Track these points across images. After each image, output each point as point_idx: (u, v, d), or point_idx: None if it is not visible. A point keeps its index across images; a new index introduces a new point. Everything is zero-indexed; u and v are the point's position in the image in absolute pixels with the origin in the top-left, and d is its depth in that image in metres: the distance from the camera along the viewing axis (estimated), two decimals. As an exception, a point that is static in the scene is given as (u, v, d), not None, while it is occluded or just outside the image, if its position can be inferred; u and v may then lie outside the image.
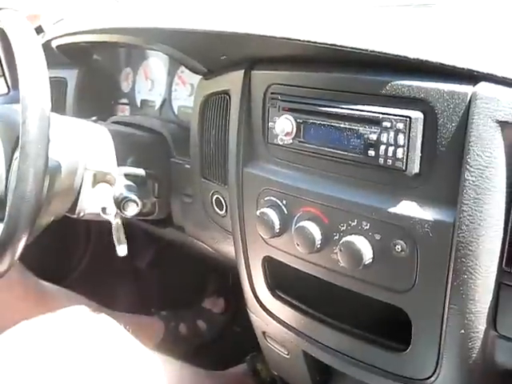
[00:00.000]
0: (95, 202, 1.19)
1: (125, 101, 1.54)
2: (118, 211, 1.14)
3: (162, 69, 1.43)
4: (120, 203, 1.12)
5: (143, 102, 1.49)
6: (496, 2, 0.89)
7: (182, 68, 1.35)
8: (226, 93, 1.05)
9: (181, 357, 1.32)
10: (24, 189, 0.93)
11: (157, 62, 1.45)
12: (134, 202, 1.13)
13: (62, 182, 1.11)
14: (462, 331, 0.79)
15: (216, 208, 1.15)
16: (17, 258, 0.99)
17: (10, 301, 1.40)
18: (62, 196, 1.13)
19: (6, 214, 0.96)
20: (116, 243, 1.19)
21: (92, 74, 1.55)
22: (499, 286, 0.76)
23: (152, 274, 2.00)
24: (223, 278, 1.91)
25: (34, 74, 0.96)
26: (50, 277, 1.63)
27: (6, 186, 1.06)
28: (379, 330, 0.92)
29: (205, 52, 1.08)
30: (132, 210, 1.13)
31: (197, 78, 1.19)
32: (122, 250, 1.20)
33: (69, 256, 1.93)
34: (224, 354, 1.74)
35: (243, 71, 0.99)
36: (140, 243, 1.90)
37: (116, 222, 1.19)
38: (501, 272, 0.76)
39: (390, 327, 0.91)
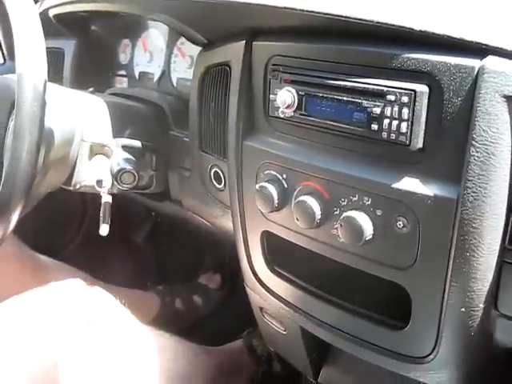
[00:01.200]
0: (91, 174, 1.17)
1: (123, 73, 1.52)
2: (115, 183, 1.12)
3: (160, 41, 1.41)
4: (117, 175, 1.11)
5: (141, 74, 1.47)
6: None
7: (182, 40, 1.33)
8: (227, 64, 1.03)
9: (176, 332, 1.32)
10: (18, 157, 0.91)
11: (156, 34, 1.43)
12: (131, 173, 1.11)
13: (58, 153, 1.09)
14: (463, 309, 0.78)
15: (214, 182, 1.14)
16: (11, 228, 0.98)
17: (6, 274, 1.39)
18: (57, 167, 1.12)
19: (1, 183, 0.95)
20: (101, 220, 1.17)
21: (90, 45, 1.52)
22: (501, 264, 0.76)
23: (148, 248, 2.00)
24: (220, 254, 1.91)
25: (30, 41, 0.94)
26: (46, 250, 1.62)
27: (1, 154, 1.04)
28: (378, 307, 0.91)
29: (205, 22, 1.06)
30: (129, 182, 1.12)
31: (196, 50, 1.17)
32: (104, 228, 1.17)
33: (65, 229, 1.92)
34: (220, 330, 1.74)
35: (244, 42, 0.97)
36: (137, 217, 1.89)
37: (106, 198, 1.17)
38: (503, 250, 0.75)
39: (389, 304, 0.90)
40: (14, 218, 0.96)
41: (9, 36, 1.61)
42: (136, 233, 1.97)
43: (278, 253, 1.02)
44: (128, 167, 1.11)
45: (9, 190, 0.93)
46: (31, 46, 0.94)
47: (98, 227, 1.48)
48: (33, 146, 0.92)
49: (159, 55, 1.41)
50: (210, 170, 1.13)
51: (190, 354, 1.33)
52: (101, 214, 1.15)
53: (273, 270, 1.03)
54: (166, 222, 1.88)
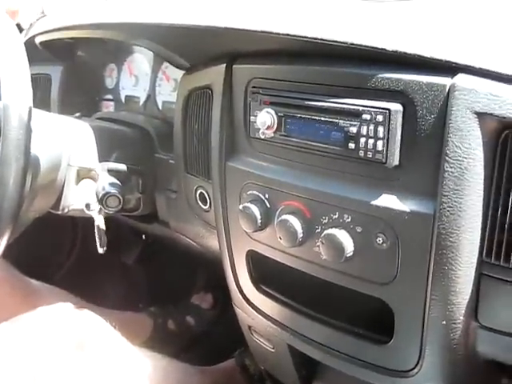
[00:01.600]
0: (79, 198, 1.18)
1: (109, 97, 1.54)
2: (101, 207, 1.13)
3: (146, 64, 1.42)
4: (102, 199, 1.12)
5: (127, 97, 1.48)
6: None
7: (166, 63, 1.34)
8: (208, 87, 1.05)
9: (169, 353, 1.33)
10: (5, 184, 0.93)
11: (141, 58, 1.44)
12: (116, 197, 1.12)
13: (45, 178, 1.11)
14: (444, 322, 0.79)
15: (200, 203, 1.15)
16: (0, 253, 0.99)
17: (-4, 298, 1.39)
18: (45, 192, 1.13)
19: None
20: (97, 241, 1.19)
21: (76, 70, 1.54)
22: (480, 276, 0.77)
23: (140, 270, 2.00)
24: (211, 274, 1.91)
25: (15, 71, 0.96)
26: (37, 274, 1.62)
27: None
28: (362, 323, 0.92)
29: (186, 47, 1.08)
30: (114, 206, 1.13)
31: (180, 73, 1.19)
32: (101, 248, 1.19)
33: (55, 253, 1.92)
34: (213, 350, 1.74)
35: (224, 65, 0.99)
36: (127, 239, 1.90)
37: (98, 219, 1.19)
38: (481, 263, 0.76)
39: (373, 319, 0.91)
40: (2, 243, 0.97)
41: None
42: (127, 255, 1.97)
43: (264, 271, 1.03)
44: (113, 191, 1.13)
45: None
46: (16, 76, 0.95)
47: (88, 251, 1.49)
48: (19, 172, 0.93)
49: (144, 79, 1.43)
50: (196, 191, 1.15)
51: (182, 375, 1.34)
52: (96, 235, 1.17)
53: (259, 289, 1.04)
54: (157, 244, 1.89)
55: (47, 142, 1.11)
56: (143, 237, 1.91)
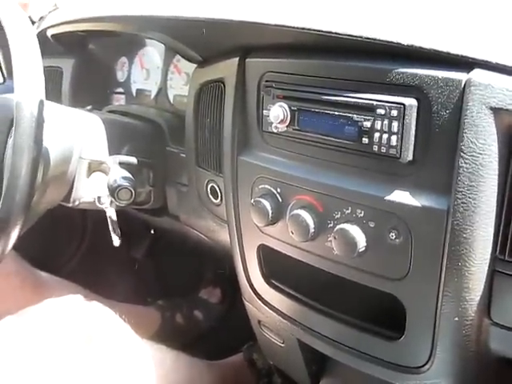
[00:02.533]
0: (90, 191, 1.19)
1: (120, 90, 1.54)
2: (113, 200, 1.13)
3: (157, 58, 1.42)
4: (114, 191, 1.12)
5: (139, 91, 1.49)
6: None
7: (178, 57, 1.34)
8: (221, 81, 1.05)
9: (177, 346, 1.33)
10: (17, 175, 0.93)
11: (152, 52, 1.44)
12: (128, 190, 1.12)
13: (57, 170, 1.11)
14: (456, 319, 0.79)
15: (211, 197, 1.15)
16: (10, 246, 0.99)
17: (6, 290, 1.40)
18: (56, 184, 1.13)
19: (1, 199, 0.96)
20: (112, 233, 1.19)
21: (87, 64, 1.55)
22: (493, 273, 0.77)
23: (148, 263, 2.01)
24: (220, 268, 1.92)
25: (28, 62, 0.96)
26: (47, 267, 1.63)
27: (1, 171, 1.06)
28: (374, 318, 0.92)
29: (199, 40, 1.07)
30: (126, 199, 1.13)
31: (192, 66, 1.18)
32: (115, 239, 1.20)
33: (65, 246, 1.93)
34: (221, 344, 1.74)
35: (237, 59, 0.98)
36: (137, 233, 1.90)
37: (110, 211, 1.19)
38: (494, 259, 0.76)
39: (384, 315, 0.91)
40: (14, 234, 0.97)
41: (8, 56, 1.64)
42: (136, 249, 1.97)
43: (275, 266, 1.03)
44: (125, 184, 1.12)
45: (8, 206, 0.95)
46: (29, 67, 0.95)
47: (98, 244, 1.49)
48: (31, 163, 0.94)
49: (156, 72, 1.43)
50: (207, 185, 1.15)
51: (190, 368, 1.34)
52: (110, 227, 1.17)
53: (270, 284, 1.04)
54: (166, 237, 1.89)
55: (59, 134, 1.11)
56: (152, 231, 1.92)
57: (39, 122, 0.94)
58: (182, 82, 1.34)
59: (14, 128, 0.95)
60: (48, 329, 1.10)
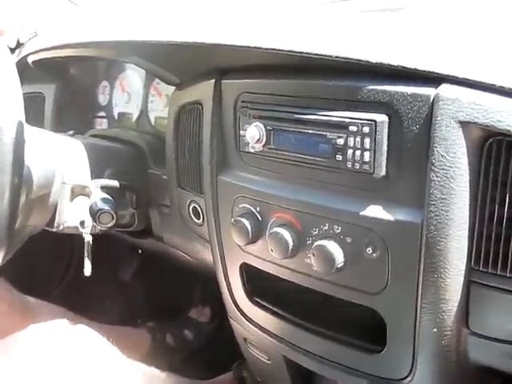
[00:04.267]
0: (74, 216, 1.19)
1: (102, 114, 1.55)
2: (94, 223, 1.14)
3: (138, 81, 1.44)
4: (95, 215, 1.12)
5: (120, 114, 1.50)
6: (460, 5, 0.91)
7: (158, 79, 1.36)
8: (199, 103, 1.06)
9: (168, 367, 1.33)
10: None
11: (133, 75, 1.46)
12: (109, 213, 1.13)
13: (39, 196, 1.11)
14: (435, 330, 0.80)
15: (193, 217, 1.16)
16: None
17: (-6, 316, 1.40)
18: (39, 209, 1.14)
19: None
20: (85, 259, 1.20)
21: (69, 88, 1.55)
22: (469, 283, 0.77)
23: (137, 285, 2.00)
24: (208, 287, 1.90)
25: (5, 86, 0.97)
26: (35, 292, 1.63)
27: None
28: (356, 333, 0.93)
29: (176, 63, 1.09)
30: (107, 222, 1.13)
31: (172, 89, 1.20)
32: (87, 267, 1.20)
33: (53, 270, 1.92)
34: (211, 363, 1.74)
35: (213, 81, 1.00)
36: (124, 255, 1.90)
37: (88, 237, 1.19)
38: (470, 270, 0.77)
39: (366, 329, 0.92)
40: (-1, 260, 0.98)
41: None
42: (124, 271, 1.97)
43: (258, 284, 1.04)
44: (105, 208, 1.13)
45: None
46: (6, 92, 0.96)
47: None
48: (13, 189, 0.94)
49: (137, 95, 1.44)
50: (189, 205, 1.15)
51: (180, 389, 1.34)
52: (85, 254, 1.17)
53: (253, 301, 1.05)
54: (153, 259, 1.89)
55: (41, 159, 1.12)
56: (139, 252, 1.92)
57: (20, 147, 0.95)
58: (162, 104, 1.36)
59: None
60: (35, 354, 1.10)
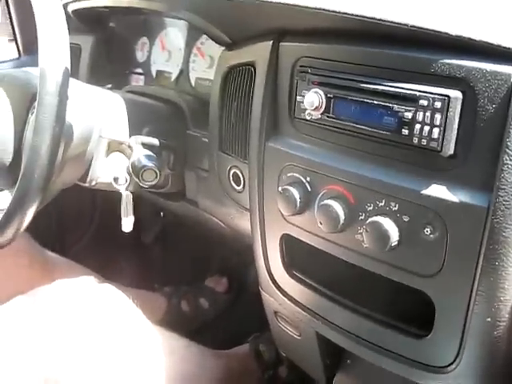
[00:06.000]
0: (108, 171, 1.16)
1: (139, 70, 1.51)
2: (137, 180, 1.11)
3: (179, 40, 1.39)
4: (138, 172, 1.09)
5: (159, 72, 1.46)
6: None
7: (202, 39, 1.32)
8: (251, 64, 1.02)
9: (182, 333, 1.31)
10: (38, 152, 0.91)
11: (174, 33, 1.42)
12: (153, 171, 1.09)
13: (76, 149, 1.09)
14: (489, 319, 0.77)
15: (233, 183, 1.13)
16: (25, 225, 0.97)
17: (14, 268, 1.38)
18: (74, 163, 1.11)
19: (19, 177, 0.94)
20: (123, 216, 1.17)
21: (107, 42, 1.52)
22: (530, 274, 0.74)
23: (156, 249, 1.99)
24: (227, 258, 1.90)
25: (55, 36, 0.94)
26: (55, 247, 1.61)
27: (20, 148, 1.03)
28: (398, 314, 0.90)
29: (231, 22, 1.05)
30: (150, 180, 1.10)
31: (217, 50, 1.16)
32: (127, 224, 1.17)
33: (74, 227, 1.91)
34: (225, 334, 1.73)
35: (271, 43, 0.96)
36: (147, 218, 1.88)
37: (126, 194, 1.16)
38: (533, 260, 0.74)
39: (410, 311, 0.89)
40: (30, 213, 0.95)
41: (25, 31, 1.62)
42: (145, 233, 1.95)
43: (297, 256, 1.01)
44: (150, 164, 1.10)
45: (26, 185, 0.92)
46: (55, 41, 0.93)
47: (107, 226, 1.45)
48: (53, 141, 0.91)
49: (177, 54, 1.40)
50: (229, 171, 1.12)
51: (199, 357, 1.32)
52: (122, 210, 1.14)
53: (291, 274, 1.02)
54: (175, 225, 1.87)
55: (81, 112, 1.09)
56: (162, 215, 1.90)
57: (63, 99, 0.92)
58: (205, 65, 1.31)
59: (36, 103, 0.92)
60: (61, 309, 1.08)
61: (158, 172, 1.10)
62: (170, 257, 1.95)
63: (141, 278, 1.86)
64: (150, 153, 1.13)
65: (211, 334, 1.72)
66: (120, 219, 1.18)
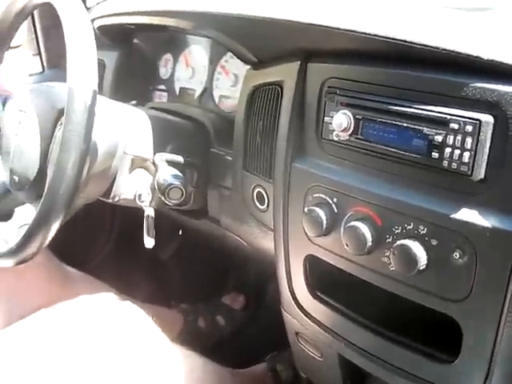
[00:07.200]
0: (131, 188, 1.16)
1: (163, 87, 1.51)
2: (162, 198, 1.11)
3: (203, 57, 1.40)
4: (165, 190, 1.09)
5: (182, 89, 1.46)
6: None
7: (226, 57, 1.33)
8: (278, 84, 1.02)
9: (198, 351, 1.30)
10: (64, 168, 0.91)
11: (198, 50, 1.42)
12: (180, 189, 1.10)
13: (101, 165, 1.09)
14: (519, 347, 0.76)
15: (257, 202, 1.12)
16: (49, 240, 0.97)
17: (34, 282, 1.38)
18: (98, 179, 1.11)
19: (45, 193, 0.94)
20: (145, 233, 1.17)
21: (131, 58, 1.53)
22: (560, 301, 0.73)
23: (173, 266, 1.98)
24: (244, 275, 1.89)
25: (83, 52, 0.94)
26: (72, 261, 1.61)
27: (45, 163, 1.04)
28: (423, 338, 0.89)
29: (258, 41, 1.05)
30: (177, 198, 1.10)
31: (241, 68, 1.16)
32: (149, 241, 1.17)
33: (91, 242, 1.91)
34: (242, 351, 1.72)
35: (299, 63, 0.96)
36: (164, 234, 1.88)
37: (149, 210, 1.17)
38: None
39: (435, 335, 0.88)
40: (54, 228, 0.96)
41: (50, 45, 1.63)
42: (162, 250, 1.95)
43: (321, 277, 1.00)
44: (176, 183, 1.10)
45: (51, 200, 0.93)
46: (84, 59, 0.94)
47: (124, 242, 1.44)
48: (79, 158, 0.92)
49: (201, 72, 1.40)
50: (253, 190, 1.12)
51: (217, 376, 1.32)
52: (144, 227, 1.14)
53: (314, 295, 1.01)
54: (193, 241, 1.86)
55: (106, 129, 1.09)
56: (180, 233, 1.90)
57: (90, 117, 0.93)
58: (229, 82, 1.31)
59: (63, 119, 0.93)
60: (82, 325, 1.08)
61: (183, 190, 1.10)
62: (187, 273, 1.94)
63: (157, 294, 1.86)
64: (176, 171, 1.13)
65: (227, 352, 1.71)
66: (138, 234, 1.18)
